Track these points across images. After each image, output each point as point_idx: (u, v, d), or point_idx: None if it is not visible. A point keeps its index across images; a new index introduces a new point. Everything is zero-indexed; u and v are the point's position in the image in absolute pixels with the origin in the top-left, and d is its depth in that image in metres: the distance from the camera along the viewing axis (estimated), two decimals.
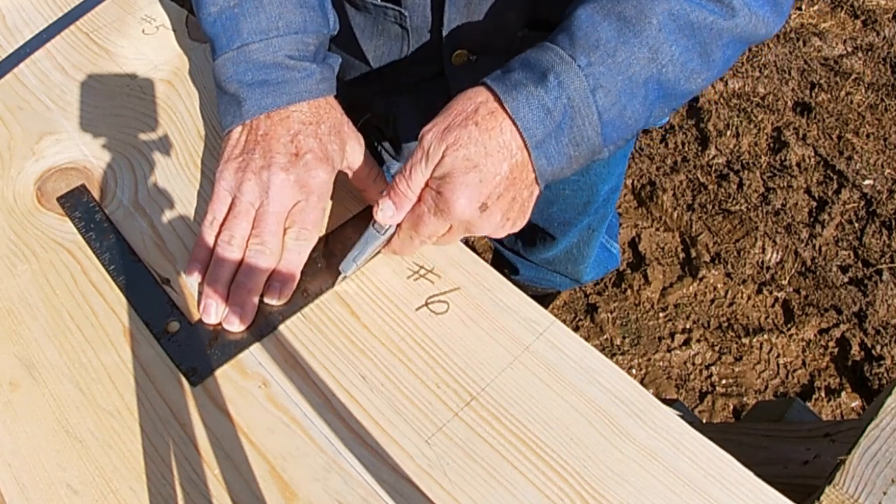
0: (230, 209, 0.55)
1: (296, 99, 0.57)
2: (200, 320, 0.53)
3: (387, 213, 0.53)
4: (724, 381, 1.58)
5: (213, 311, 0.53)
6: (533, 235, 1.12)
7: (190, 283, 0.56)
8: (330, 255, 0.57)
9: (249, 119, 0.56)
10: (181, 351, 0.52)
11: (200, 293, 0.54)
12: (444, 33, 0.73)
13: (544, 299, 1.61)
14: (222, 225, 0.55)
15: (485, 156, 0.50)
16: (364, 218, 0.60)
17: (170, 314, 0.54)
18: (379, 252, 0.56)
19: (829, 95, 2.08)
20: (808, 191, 1.87)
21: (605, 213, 1.06)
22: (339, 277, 0.55)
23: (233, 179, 0.55)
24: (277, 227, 0.54)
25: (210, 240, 0.55)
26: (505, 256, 1.25)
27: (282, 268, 0.55)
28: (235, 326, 0.53)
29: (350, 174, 0.60)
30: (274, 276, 0.55)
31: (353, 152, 0.59)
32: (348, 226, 0.60)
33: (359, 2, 0.75)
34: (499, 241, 1.21)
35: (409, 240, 0.54)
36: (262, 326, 0.53)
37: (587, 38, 0.50)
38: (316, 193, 0.55)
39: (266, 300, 0.54)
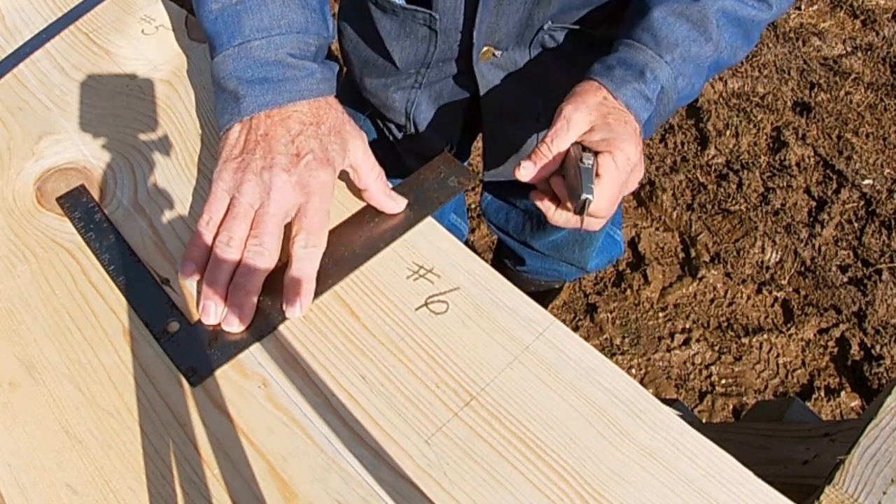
0: (229, 210, 0.55)
1: (296, 97, 0.57)
2: (200, 320, 0.53)
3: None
4: (723, 381, 1.58)
5: (213, 313, 0.53)
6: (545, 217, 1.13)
7: (188, 283, 0.56)
8: (330, 254, 0.57)
9: (248, 116, 0.56)
10: (181, 351, 0.52)
11: (199, 293, 0.54)
12: (475, 33, 0.74)
13: (545, 297, 1.62)
14: (220, 226, 0.55)
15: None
16: (362, 216, 0.60)
17: (169, 314, 0.54)
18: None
19: (828, 95, 2.08)
20: (807, 191, 1.87)
21: None
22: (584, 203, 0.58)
23: (232, 180, 0.55)
24: (277, 228, 0.54)
25: (206, 240, 0.55)
26: (510, 247, 1.26)
27: (297, 278, 0.53)
28: (235, 327, 0.52)
29: (352, 173, 0.60)
30: (291, 287, 0.53)
31: (356, 151, 0.59)
32: (347, 224, 0.60)
33: (386, 5, 0.76)
34: (506, 230, 1.22)
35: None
36: (262, 326, 0.53)
37: (668, 39, 0.64)
38: (318, 195, 0.55)
39: (288, 315, 0.53)
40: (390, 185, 0.61)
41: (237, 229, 0.54)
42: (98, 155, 0.65)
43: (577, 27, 0.78)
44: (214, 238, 0.55)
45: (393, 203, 0.60)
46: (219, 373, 0.51)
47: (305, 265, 0.54)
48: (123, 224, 0.59)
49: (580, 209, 0.58)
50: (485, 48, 0.77)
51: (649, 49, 0.64)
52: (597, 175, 0.59)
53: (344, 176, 0.61)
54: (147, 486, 0.45)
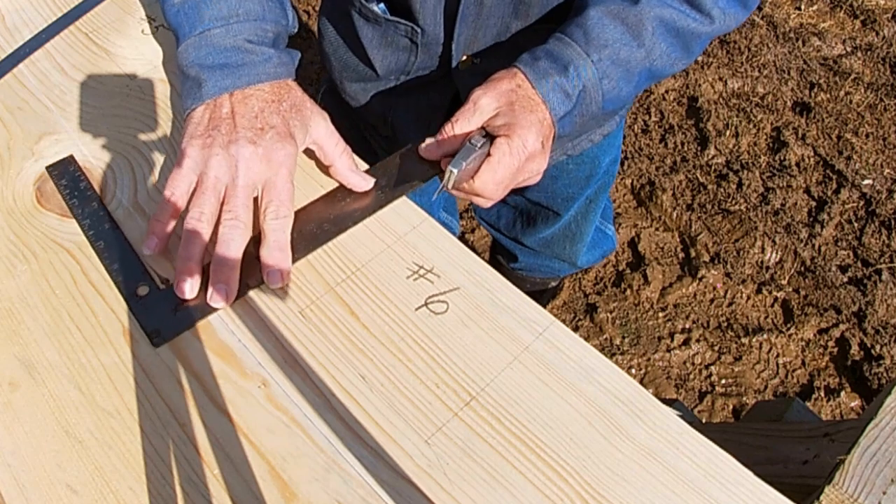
0: (198, 185, 0.56)
1: (254, 81, 0.59)
2: (170, 285, 0.54)
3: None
4: (723, 381, 1.58)
5: (188, 289, 0.53)
6: (535, 214, 1.13)
7: (147, 255, 0.56)
8: (297, 229, 0.58)
9: (211, 99, 0.58)
10: (147, 313, 0.53)
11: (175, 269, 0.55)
12: (454, 45, 0.75)
13: (543, 295, 1.62)
14: (190, 202, 0.56)
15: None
16: (334, 195, 0.61)
17: (141, 279, 0.55)
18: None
19: (828, 95, 2.08)
20: (807, 191, 1.88)
21: (604, 183, 1.10)
22: (450, 177, 0.58)
23: (199, 156, 0.56)
24: (248, 199, 0.56)
25: (168, 215, 0.56)
26: (503, 244, 1.26)
27: (273, 251, 0.55)
28: (222, 304, 0.53)
29: (317, 150, 0.62)
30: (269, 258, 0.55)
31: (318, 128, 0.61)
32: (318, 202, 0.61)
33: (369, 14, 0.77)
34: (497, 227, 1.23)
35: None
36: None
37: (598, 38, 0.63)
38: (284, 167, 0.57)
39: (271, 285, 0.55)
40: (361, 164, 0.62)
41: (207, 204, 0.55)
42: (98, 155, 0.65)
43: (550, 26, 0.78)
44: (177, 213, 0.56)
45: (360, 180, 0.61)
46: (219, 373, 0.51)
47: (279, 235, 0.55)
48: (123, 224, 0.59)
49: (446, 180, 0.59)
50: (464, 57, 0.78)
51: (578, 45, 0.63)
52: (488, 155, 0.60)
53: (313, 154, 0.62)
54: (147, 486, 0.45)
